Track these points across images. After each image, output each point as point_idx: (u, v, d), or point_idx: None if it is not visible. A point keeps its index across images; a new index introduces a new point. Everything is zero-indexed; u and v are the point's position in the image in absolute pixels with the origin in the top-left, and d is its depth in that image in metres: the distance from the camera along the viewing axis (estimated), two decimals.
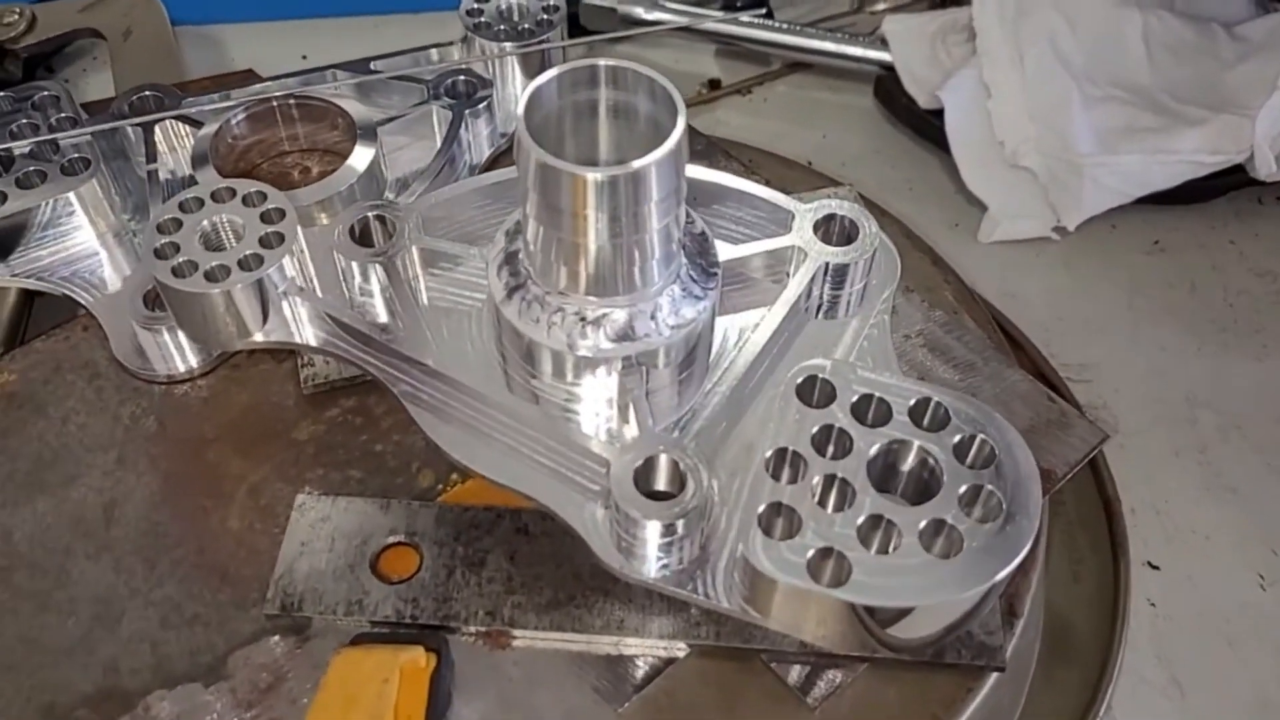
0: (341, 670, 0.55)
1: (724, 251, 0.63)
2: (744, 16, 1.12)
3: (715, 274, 0.61)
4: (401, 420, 0.71)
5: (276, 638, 0.61)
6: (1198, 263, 0.99)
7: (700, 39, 1.15)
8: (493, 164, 0.87)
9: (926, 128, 1.05)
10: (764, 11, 1.15)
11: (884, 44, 1.08)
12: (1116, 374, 0.90)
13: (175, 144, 0.85)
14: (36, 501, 0.67)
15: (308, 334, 0.64)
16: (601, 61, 0.54)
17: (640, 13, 1.10)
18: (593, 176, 0.50)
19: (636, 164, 0.50)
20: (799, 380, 0.57)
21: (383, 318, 0.63)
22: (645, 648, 0.61)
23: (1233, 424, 0.87)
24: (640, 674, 0.60)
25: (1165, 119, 0.96)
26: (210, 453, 0.70)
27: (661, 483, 0.55)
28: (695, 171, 0.66)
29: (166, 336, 0.73)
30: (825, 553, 0.51)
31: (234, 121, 0.82)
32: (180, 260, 0.61)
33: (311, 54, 1.09)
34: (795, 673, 0.59)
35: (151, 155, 0.82)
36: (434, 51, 0.90)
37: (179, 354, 0.74)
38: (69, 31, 1.06)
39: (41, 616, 0.62)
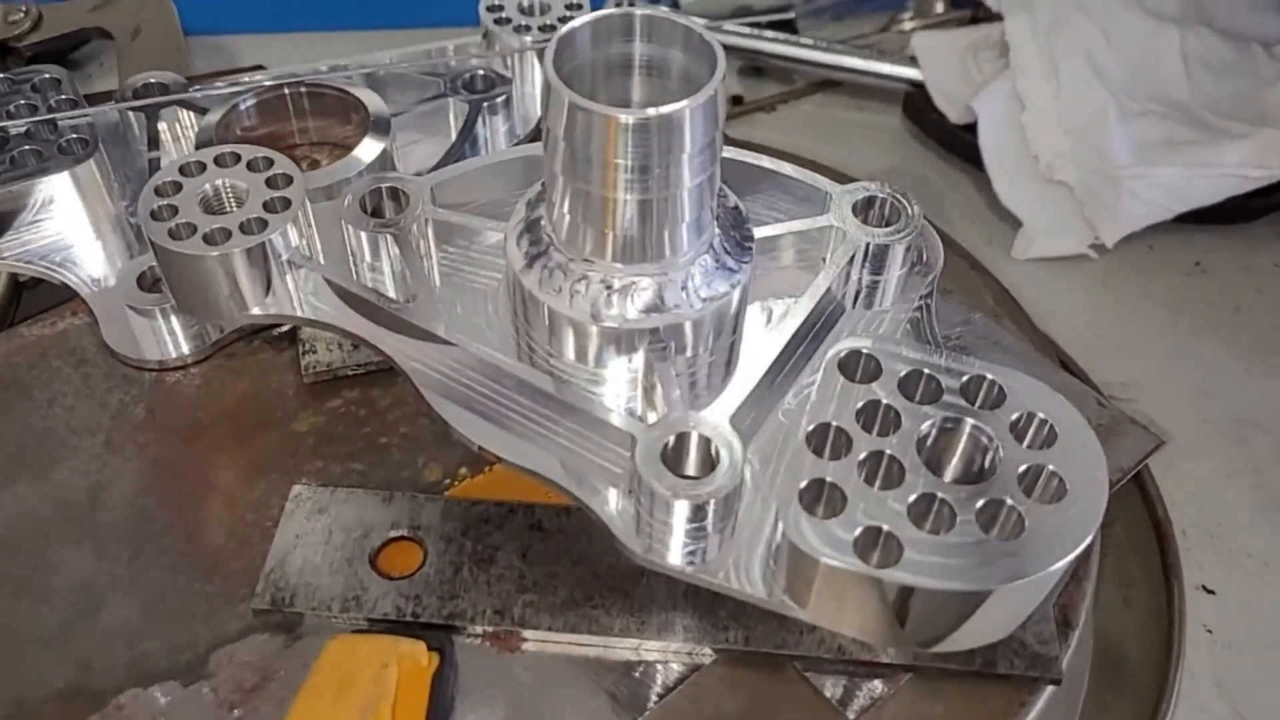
0: (336, 654, 0.51)
1: (757, 231, 0.60)
2: (769, 33, 1.11)
3: (749, 248, 0.57)
4: (408, 412, 0.68)
5: (265, 635, 0.57)
6: (1241, 284, 0.96)
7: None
8: None
9: (957, 144, 1.03)
10: (790, 28, 1.14)
11: (913, 61, 1.07)
12: (1161, 393, 0.86)
13: (180, 134, 0.82)
14: (17, 484, 0.63)
15: (312, 309, 0.60)
16: (637, 11, 0.51)
17: None
18: (625, 118, 0.47)
19: (671, 107, 0.47)
20: (841, 355, 0.53)
21: (393, 293, 0.60)
22: (668, 653, 0.56)
23: None
24: (661, 681, 0.56)
25: (1206, 133, 0.94)
26: (202, 441, 0.66)
27: (691, 465, 0.51)
28: (727, 152, 0.63)
29: (160, 320, 0.70)
30: (874, 532, 0.47)
31: (243, 109, 0.80)
32: (178, 223, 0.58)
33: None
34: (832, 684, 0.55)
35: (154, 143, 0.80)
36: (451, 46, 0.88)
37: (172, 340, 0.71)
38: (76, 30, 1.05)
39: (16, 604, 0.58)
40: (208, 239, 0.57)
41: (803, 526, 0.47)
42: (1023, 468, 0.49)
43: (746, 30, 1.12)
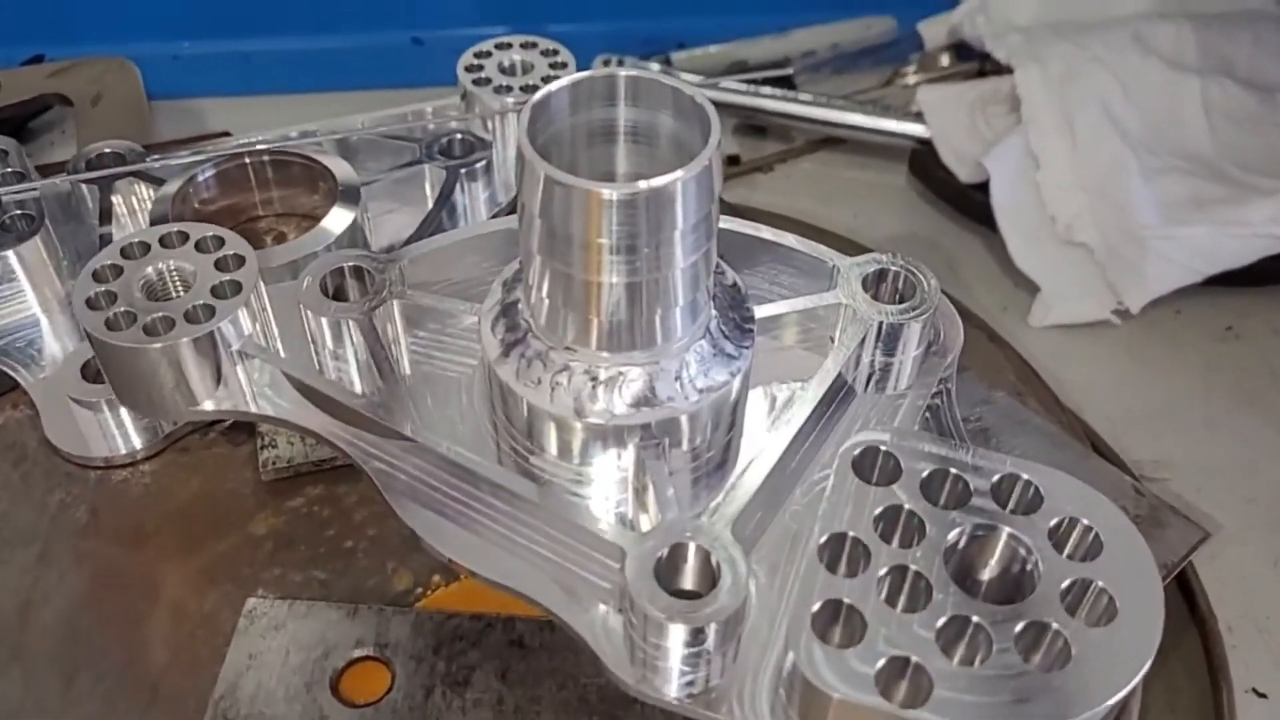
0: None
1: (758, 311, 0.55)
2: (767, 89, 1.07)
3: (750, 330, 0.53)
4: (376, 512, 0.63)
5: None
6: (1277, 350, 0.91)
7: (719, 114, 1.10)
8: None
9: (967, 204, 0.98)
10: (788, 84, 1.10)
11: (919, 117, 1.03)
12: (1197, 472, 0.81)
13: (136, 206, 0.78)
14: None
15: (267, 403, 0.56)
16: (621, 72, 0.47)
17: None
18: (609, 194, 0.42)
19: (661, 180, 0.43)
20: (855, 453, 0.48)
21: (357, 385, 0.55)
22: None
23: None
24: None
25: (1233, 189, 0.90)
26: (149, 548, 0.61)
27: (689, 579, 0.46)
28: (723, 223, 0.59)
29: (107, 413, 0.65)
30: (899, 663, 0.42)
31: (200, 180, 0.76)
32: (116, 311, 0.53)
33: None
34: None
35: (106, 217, 0.75)
36: (429, 108, 0.84)
37: (120, 434, 0.66)
38: (34, 97, 1.01)
39: None
40: (148, 329, 0.53)
41: (817, 657, 0.42)
42: (1066, 583, 0.44)
43: (743, 87, 1.08)
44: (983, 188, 0.95)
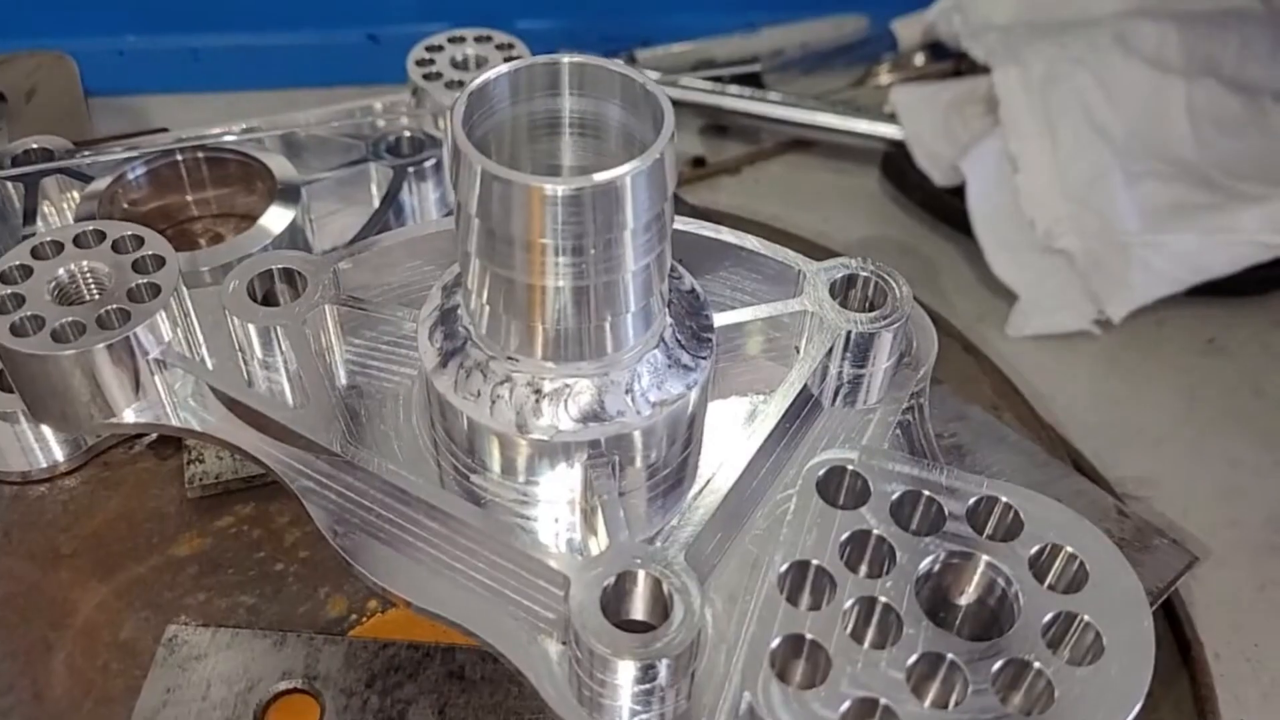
0: None
1: (718, 319, 0.52)
2: (734, 88, 1.04)
3: (708, 340, 0.50)
4: (310, 534, 0.59)
5: None
6: (1261, 364, 0.89)
7: (683, 113, 1.07)
8: None
9: (942, 208, 0.96)
10: (756, 83, 1.07)
11: (892, 118, 1.00)
12: (1182, 492, 0.79)
13: (65, 207, 0.74)
14: None
15: (190, 416, 0.52)
16: (565, 58, 0.44)
17: None
18: (552, 189, 0.39)
19: (609, 174, 0.39)
20: (820, 473, 0.45)
21: (288, 397, 0.52)
22: None
23: None
24: None
25: (1219, 196, 0.88)
26: (62, 571, 0.57)
27: (639, 609, 0.43)
28: (680, 224, 0.56)
29: (25, 424, 0.62)
30: (866, 705, 0.38)
31: (131, 178, 0.72)
32: (23, 315, 0.49)
33: None
34: None
35: (30, 217, 0.71)
36: (378, 104, 0.81)
37: (40, 446, 0.62)
38: None
39: None
40: (57, 335, 0.49)
41: (774, 699, 0.38)
42: (1048, 616, 0.41)
43: (708, 85, 1.05)
44: (958, 191, 0.93)
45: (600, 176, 0.40)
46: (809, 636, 0.40)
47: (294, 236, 0.69)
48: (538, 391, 0.46)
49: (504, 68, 0.43)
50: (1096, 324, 0.88)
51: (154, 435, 0.63)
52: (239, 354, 0.52)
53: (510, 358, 0.46)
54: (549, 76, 0.44)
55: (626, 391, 0.46)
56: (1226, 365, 0.89)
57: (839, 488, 0.46)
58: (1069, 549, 0.42)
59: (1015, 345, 0.89)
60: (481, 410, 0.46)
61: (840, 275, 0.55)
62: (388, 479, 0.47)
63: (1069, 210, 0.88)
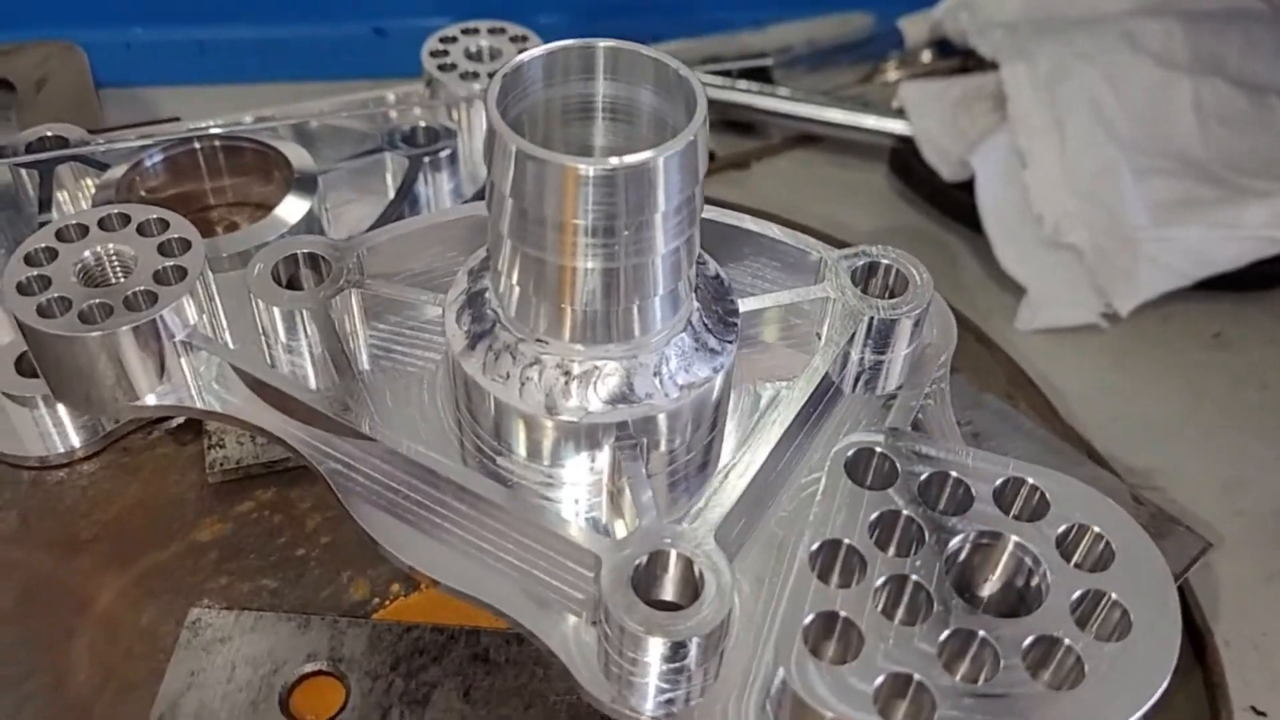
0: None
1: (741, 305, 0.53)
2: (743, 83, 1.05)
3: (734, 324, 0.50)
4: (332, 518, 0.59)
5: None
6: (1266, 358, 0.90)
7: None
8: None
9: (950, 204, 0.96)
10: (765, 78, 1.08)
11: (900, 113, 1.01)
12: (1190, 484, 0.79)
13: (80, 195, 0.74)
14: None
15: (214, 399, 0.52)
16: (600, 42, 0.44)
17: None
18: (585, 169, 0.40)
19: (642, 156, 0.40)
20: (849, 455, 0.45)
21: (311, 380, 0.52)
22: None
23: None
24: None
25: (1225, 191, 0.88)
26: (83, 556, 0.57)
27: (669, 590, 0.43)
28: (703, 211, 0.56)
29: (43, 409, 0.62)
30: (899, 680, 0.39)
31: (148, 166, 0.72)
32: (49, 297, 0.49)
33: None
34: None
35: (46, 205, 0.71)
36: (391, 95, 0.81)
37: (58, 432, 0.62)
38: None
39: None
40: (84, 316, 0.49)
41: (810, 674, 0.39)
42: (1076, 594, 0.41)
43: (718, 81, 1.06)
44: (966, 186, 0.94)
45: (633, 158, 0.40)
46: (842, 614, 0.40)
47: (310, 225, 0.69)
48: (567, 373, 0.46)
49: (538, 50, 0.43)
50: (1104, 317, 0.89)
51: (174, 421, 0.63)
52: (262, 338, 0.53)
53: (539, 340, 0.46)
54: (584, 60, 0.44)
55: (655, 374, 0.47)
56: (1232, 359, 0.89)
57: (867, 469, 0.46)
58: (1096, 529, 0.43)
59: (1024, 339, 0.90)
60: (510, 392, 0.46)
61: (862, 263, 0.55)
62: (416, 460, 0.48)
63: (1077, 205, 0.88)
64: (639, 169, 0.40)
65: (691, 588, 0.42)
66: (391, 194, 0.76)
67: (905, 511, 0.43)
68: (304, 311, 0.51)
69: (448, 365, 0.51)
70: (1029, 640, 0.40)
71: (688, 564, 0.42)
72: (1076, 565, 0.43)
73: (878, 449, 0.46)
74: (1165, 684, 0.39)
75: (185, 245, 0.52)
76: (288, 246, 0.53)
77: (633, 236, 0.42)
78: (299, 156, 0.72)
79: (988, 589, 0.44)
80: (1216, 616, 0.70)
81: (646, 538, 0.43)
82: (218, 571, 0.56)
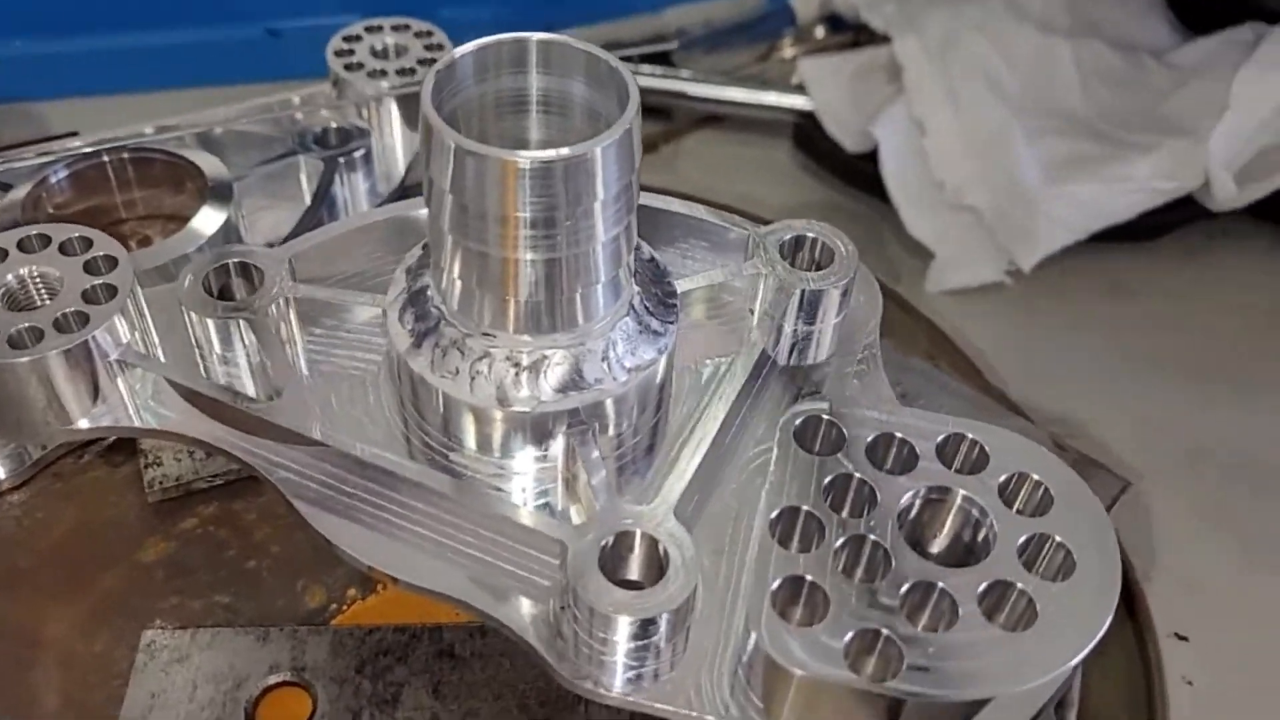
0: None
1: (677, 285, 0.53)
2: (645, 68, 1.05)
3: (674, 305, 0.51)
4: (280, 527, 0.59)
5: None
6: (1162, 304, 0.94)
7: None
8: None
9: (855, 174, 0.99)
10: (665, 62, 1.08)
11: (800, 90, 1.03)
12: (1105, 428, 0.82)
13: None
14: None
15: (152, 416, 0.51)
16: (533, 36, 0.44)
17: None
18: (525, 162, 0.40)
19: (581, 147, 0.40)
20: (797, 424, 0.47)
21: (250, 389, 0.51)
22: None
23: (1244, 474, 0.80)
24: None
25: (1111, 147, 0.92)
26: (26, 588, 0.56)
27: (634, 569, 0.44)
28: None
29: None
30: (867, 635, 0.40)
31: (53, 182, 0.70)
32: None
33: None
34: None
35: None
36: (296, 98, 0.80)
37: None
38: None
39: None
40: (13, 342, 0.47)
41: (783, 638, 0.40)
42: (1021, 539, 0.43)
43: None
44: (869, 157, 0.96)
45: (574, 149, 0.41)
46: (807, 577, 0.42)
47: (228, 235, 0.68)
48: (516, 365, 0.46)
49: (470, 46, 0.43)
50: (1009, 275, 0.92)
51: (105, 442, 0.62)
52: (196, 351, 0.52)
53: (486, 333, 0.46)
54: (516, 54, 0.44)
55: (603, 359, 0.47)
56: (1131, 306, 0.93)
57: (815, 436, 0.47)
58: (1035, 476, 0.45)
59: (935, 300, 0.92)
60: (461, 387, 0.46)
61: (789, 237, 0.56)
62: (371, 461, 0.47)
63: (974, 168, 0.91)
64: (578, 160, 0.41)
65: (656, 566, 0.43)
66: (307, 197, 0.75)
67: (856, 474, 0.45)
68: (241, 322, 0.50)
69: (390, 365, 0.51)
70: (983, 586, 0.42)
71: (652, 543, 0.43)
72: (1019, 512, 0.45)
73: (824, 416, 0.47)
74: (1111, 616, 0.41)
75: (112, 263, 0.51)
76: (218, 257, 0.52)
77: (574, 226, 0.43)
78: (211, 165, 0.70)
79: (937, 545, 0.45)
80: (1136, 551, 0.73)
81: (608, 520, 0.44)
82: (167, 591, 0.55)
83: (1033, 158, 0.91)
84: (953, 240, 0.92)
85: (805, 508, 0.43)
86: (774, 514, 0.43)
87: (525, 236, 0.43)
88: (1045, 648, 0.40)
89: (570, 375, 0.47)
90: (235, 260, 0.52)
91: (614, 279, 0.47)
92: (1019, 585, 0.41)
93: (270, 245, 0.70)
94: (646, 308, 0.49)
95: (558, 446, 0.48)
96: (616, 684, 0.44)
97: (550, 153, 0.40)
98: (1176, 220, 0.95)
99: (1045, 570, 0.43)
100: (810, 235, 0.56)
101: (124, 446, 0.61)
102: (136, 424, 0.51)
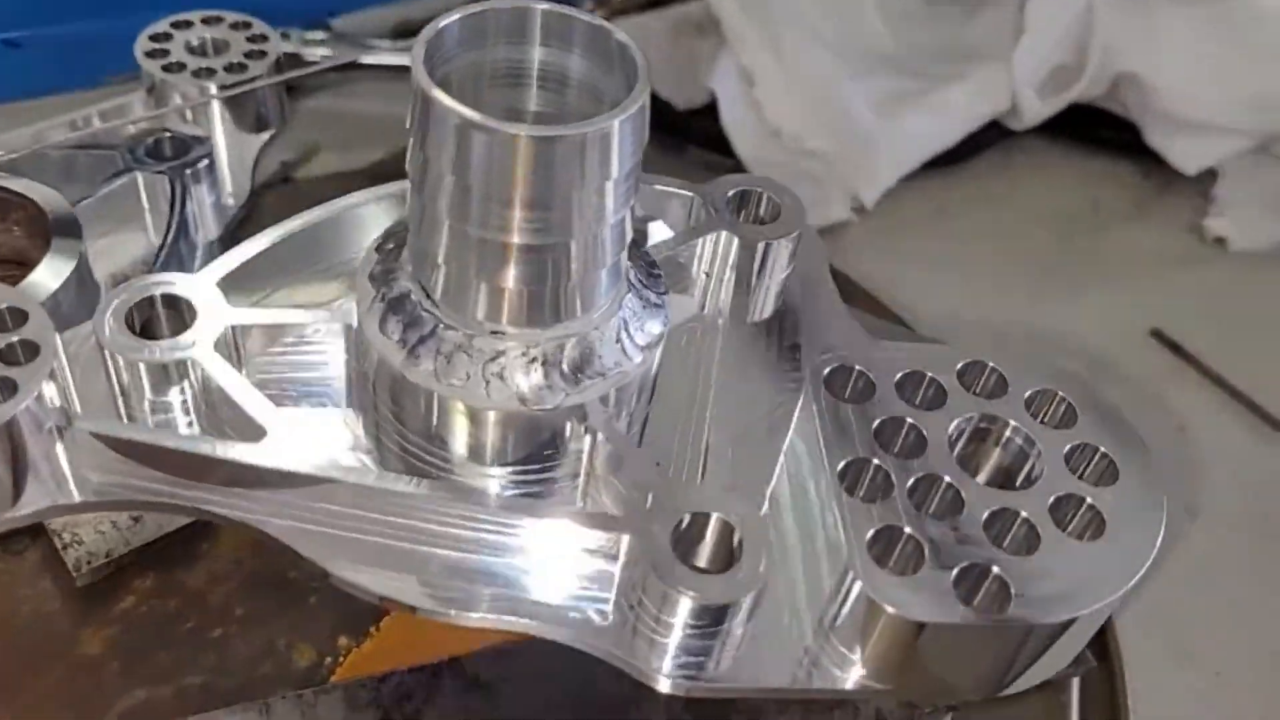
0: None
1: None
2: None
3: (659, 275, 0.49)
4: (237, 585, 0.52)
5: None
6: (987, 217, 0.99)
7: (392, 78, 1.01)
8: (231, 239, 0.68)
9: (692, 131, 0.97)
10: None
11: None
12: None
13: None
14: None
15: (91, 489, 0.43)
16: (538, 5, 0.41)
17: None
18: (548, 138, 0.37)
19: (602, 122, 0.38)
20: (826, 372, 0.46)
21: (196, 429, 0.45)
22: None
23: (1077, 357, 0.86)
24: None
25: (926, 81, 0.96)
26: None
27: (703, 555, 0.42)
28: None
29: None
30: (972, 572, 0.40)
31: None
32: None
33: None
34: None
35: None
36: (96, 112, 0.70)
37: None
38: None
39: None
40: None
41: (892, 589, 0.39)
42: (1065, 449, 0.44)
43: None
44: (701, 112, 0.95)
45: (594, 125, 0.38)
46: (900, 526, 0.41)
47: (81, 275, 0.59)
48: (532, 360, 0.43)
49: (459, 13, 0.40)
50: (854, 212, 0.94)
51: None
52: (119, 401, 0.45)
53: (495, 331, 0.43)
54: (516, 23, 0.41)
55: (617, 341, 0.45)
56: (960, 225, 0.98)
57: (845, 384, 0.47)
58: (1060, 392, 0.46)
59: None
60: (474, 393, 0.42)
61: (734, 191, 0.55)
62: (380, 487, 0.43)
63: (807, 113, 0.93)
64: (598, 135, 0.38)
65: (726, 548, 0.41)
66: (149, 216, 0.67)
67: (908, 419, 0.44)
68: (174, 361, 0.44)
69: (366, 382, 0.46)
70: (1052, 500, 0.42)
71: (725, 525, 0.41)
72: (1047, 424, 0.46)
73: (856, 366, 0.46)
74: (1165, 513, 0.43)
75: (21, 317, 0.43)
76: (136, 290, 0.45)
77: (588, 206, 0.40)
78: (47, 197, 0.61)
79: (984, 474, 0.46)
80: None
81: (670, 504, 0.41)
82: (127, 684, 0.48)
83: (861, 97, 0.93)
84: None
85: (871, 458, 0.43)
86: (840, 466, 0.42)
87: (539, 219, 0.40)
88: (1120, 556, 0.41)
89: (589, 363, 0.44)
90: (161, 292, 0.46)
91: (617, 260, 0.44)
92: (1083, 497, 0.42)
93: (125, 276, 0.63)
94: (641, 281, 0.47)
95: (583, 437, 0.45)
96: (710, 667, 0.42)
97: (575, 128, 0.37)
98: (986, 142, 1.01)
99: (1093, 478, 0.44)
100: (755, 189, 0.55)
101: (23, 532, 0.52)
102: (75, 499, 0.43)
